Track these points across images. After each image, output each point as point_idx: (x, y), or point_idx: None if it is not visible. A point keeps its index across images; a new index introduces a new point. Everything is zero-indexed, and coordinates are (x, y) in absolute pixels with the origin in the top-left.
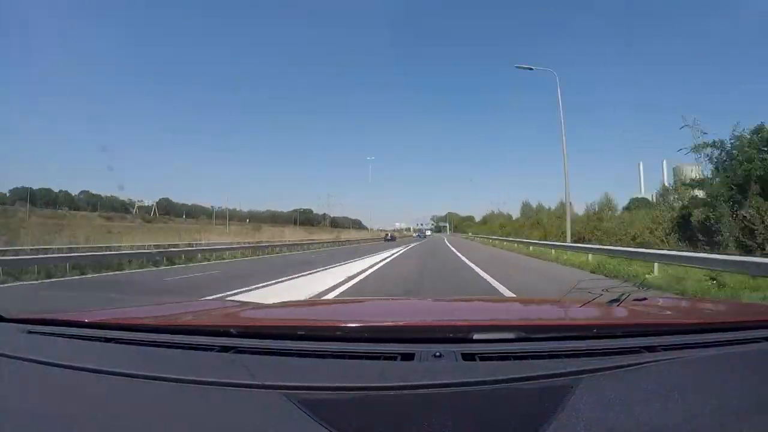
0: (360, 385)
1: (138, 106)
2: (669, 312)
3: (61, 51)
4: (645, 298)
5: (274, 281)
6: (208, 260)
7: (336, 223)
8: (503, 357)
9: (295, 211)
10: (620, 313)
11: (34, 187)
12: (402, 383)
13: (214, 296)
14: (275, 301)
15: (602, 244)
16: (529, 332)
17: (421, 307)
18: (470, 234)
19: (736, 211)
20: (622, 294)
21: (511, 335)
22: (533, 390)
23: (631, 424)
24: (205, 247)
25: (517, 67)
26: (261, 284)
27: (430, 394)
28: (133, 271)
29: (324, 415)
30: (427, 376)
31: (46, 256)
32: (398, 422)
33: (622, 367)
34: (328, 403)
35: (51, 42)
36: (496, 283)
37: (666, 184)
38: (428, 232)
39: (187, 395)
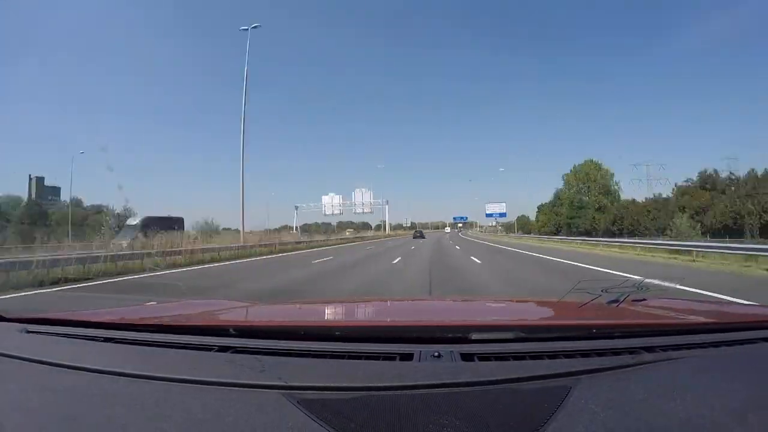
0: (359, 385)
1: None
2: (668, 312)
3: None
4: (644, 299)
5: None
6: None
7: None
8: (502, 357)
9: None
10: (619, 314)
11: None
12: (401, 383)
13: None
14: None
15: None
16: (528, 332)
17: (420, 307)
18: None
19: None
20: (621, 294)
21: (509, 335)
22: (532, 390)
23: (629, 425)
24: None
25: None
26: None
27: (429, 394)
28: None
29: (323, 415)
30: (426, 377)
31: None
32: (397, 422)
33: (620, 367)
34: (327, 403)
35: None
36: None
37: None
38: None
39: (186, 395)
